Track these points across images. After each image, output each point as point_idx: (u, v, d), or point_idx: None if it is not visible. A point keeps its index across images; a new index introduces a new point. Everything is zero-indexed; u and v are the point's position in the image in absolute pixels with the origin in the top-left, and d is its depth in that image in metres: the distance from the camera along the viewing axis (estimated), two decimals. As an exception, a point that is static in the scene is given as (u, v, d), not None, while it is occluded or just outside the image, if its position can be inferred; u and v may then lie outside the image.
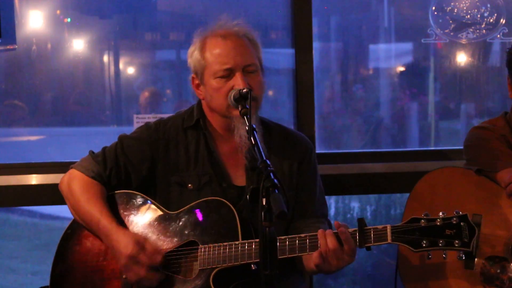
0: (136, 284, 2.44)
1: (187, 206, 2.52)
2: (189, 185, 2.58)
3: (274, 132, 2.70)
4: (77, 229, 2.60)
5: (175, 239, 2.49)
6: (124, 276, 2.47)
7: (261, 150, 2.09)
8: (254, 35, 2.58)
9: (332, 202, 4.98)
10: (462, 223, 2.21)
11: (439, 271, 2.70)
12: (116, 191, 2.62)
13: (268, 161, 1.99)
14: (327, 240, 2.26)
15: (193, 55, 2.58)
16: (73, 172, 2.63)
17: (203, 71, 2.55)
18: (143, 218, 2.56)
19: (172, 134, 2.64)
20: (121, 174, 2.62)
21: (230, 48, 2.50)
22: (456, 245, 2.20)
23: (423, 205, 2.72)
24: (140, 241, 2.42)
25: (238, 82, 2.45)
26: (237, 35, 2.54)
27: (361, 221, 2.28)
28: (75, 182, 2.59)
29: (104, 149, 2.67)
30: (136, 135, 2.68)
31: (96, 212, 2.50)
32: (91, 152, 2.67)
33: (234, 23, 2.57)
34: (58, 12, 3.65)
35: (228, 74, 2.48)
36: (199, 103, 2.68)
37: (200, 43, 2.57)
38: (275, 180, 1.89)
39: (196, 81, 2.61)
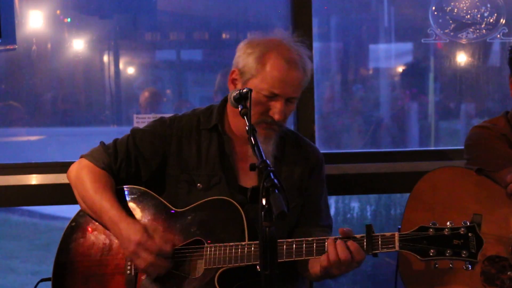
0: (143, 271, 2.43)
1: (194, 204, 2.52)
2: (198, 184, 2.58)
3: (289, 140, 2.70)
4: (81, 222, 2.60)
5: (181, 237, 2.48)
6: (128, 272, 2.47)
7: (261, 150, 2.09)
8: (310, 66, 2.57)
9: (332, 202, 4.97)
10: (470, 234, 2.22)
11: (439, 271, 2.70)
12: (123, 186, 2.61)
13: (268, 161, 2.00)
14: (338, 250, 2.26)
15: (248, 57, 2.52)
16: (83, 161, 2.61)
17: (251, 78, 2.51)
18: (149, 214, 2.56)
19: (186, 131, 2.64)
20: (131, 167, 2.61)
21: (288, 78, 2.48)
22: (464, 255, 2.21)
23: (423, 205, 2.72)
24: (149, 230, 2.43)
25: (277, 111, 2.48)
26: (297, 65, 2.51)
27: (369, 228, 2.29)
28: (84, 171, 2.58)
29: (115, 141, 2.65)
30: (149, 129, 2.67)
31: (105, 201, 2.49)
32: (102, 143, 2.65)
33: (301, 50, 2.55)
34: (58, 12, 3.65)
35: (272, 96, 2.49)
36: (220, 106, 2.66)
37: (260, 52, 2.51)
38: (275, 180, 1.89)
39: (235, 76, 2.57)
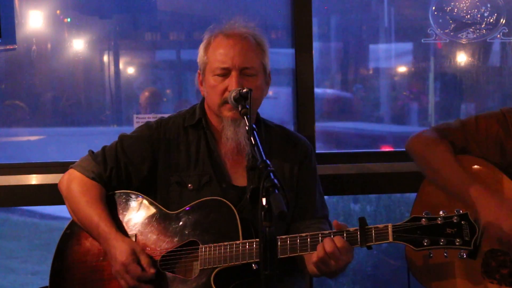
0: None
1: (188, 206, 2.52)
2: (189, 185, 2.58)
3: (275, 134, 2.70)
4: (76, 229, 2.60)
5: (176, 239, 2.49)
6: None
7: (261, 150, 2.09)
8: (262, 39, 2.58)
9: (332, 202, 4.98)
10: (463, 222, 2.22)
11: (442, 262, 2.69)
12: (116, 191, 2.61)
13: (268, 161, 2.00)
14: (324, 245, 2.26)
15: (199, 52, 2.60)
16: (72, 173, 2.62)
17: (205, 68, 2.57)
18: (143, 218, 2.56)
19: (173, 133, 2.64)
20: (122, 174, 2.61)
21: (230, 47, 2.51)
22: (457, 244, 2.21)
23: (429, 204, 2.72)
24: (136, 252, 2.42)
25: (231, 83, 2.47)
26: (241, 36, 2.54)
27: (362, 220, 2.28)
28: (74, 183, 2.58)
29: (104, 148, 2.66)
30: (136, 134, 2.68)
31: (95, 215, 2.50)
32: (91, 152, 2.66)
33: (244, 24, 2.57)
34: (58, 12, 3.65)
35: (225, 74, 2.50)
36: (202, 102, 2.68)
37: (206, 41, 2.58)
38: (275, 180, 1.89)
39: (200, 78, 2.63)
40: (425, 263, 2.72)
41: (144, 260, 2.41)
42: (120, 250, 2.41)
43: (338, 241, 2.26)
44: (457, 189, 2.60)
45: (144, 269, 2.40)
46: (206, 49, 2.56)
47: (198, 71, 2.63)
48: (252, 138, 2.15)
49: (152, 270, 2.41)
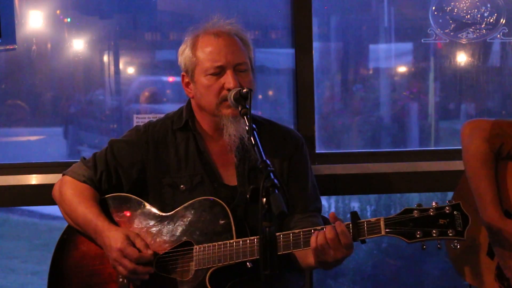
0: (127, 278, 2.44)
1: (181, 207, 2.52)
2: (181, 186, 2.58)
3: (264, 129, 2.67)
4: (72, 234, 2.61)
5: (170, 240, 2.49)
6: (120, 279, 2.48)
7: (261, 150, 2.09)
8: (245, 35, 2.60)
9: (332, 202, 4.98)
10: (455, 212, 2.20)
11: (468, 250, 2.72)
12: (108, 195, 2.62)
13: (268, 161, 2.00)
14: (325, 231, 2.23)
15: (184, 53, 2.58)
16: (64, 178, 2.66)
17: (194, 69, 2.55)
18: (136, 220, 2.56)
19: (161, 136, 2.65)
20: (112, 178, 2.63)
21: (222, 46, 2.51)
22: (450, 234, 2.19)
23: (467, 201, 2.71)
24: (130, 236, 2.43)
25: (228, 80, 2.46)
26: (229, 34, 2.55)
27: (354, 215, 2.27)
28: (66, 187, 2.62)
29: (94, 154, 2.68)
30: (126, 139, 2.69)
31: (88, 213, 2.52)
32: (82, 158, 2.69)
33: (227, 22, 2.58)
34: (58, 12, 3.65)
35: (219, 72, 2.49)
36: (188, 104, 2.68)
37: (191, 41, 2.57)
38: (275, 180, 1.89)
39: (186, 79, 2.61)
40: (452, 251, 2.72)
41: (139, 243, 2.42)
42: (114, 238, 2.42)
43: (338, 225, 2.23)
44: (478, 205, 2.69)
45: (141, 251, 2.40)
46: (193, 49, 2.54)
47: (183, 73, 2.61)
48: (252, 138, 2.15)
49: (150, 251, 2.41)
